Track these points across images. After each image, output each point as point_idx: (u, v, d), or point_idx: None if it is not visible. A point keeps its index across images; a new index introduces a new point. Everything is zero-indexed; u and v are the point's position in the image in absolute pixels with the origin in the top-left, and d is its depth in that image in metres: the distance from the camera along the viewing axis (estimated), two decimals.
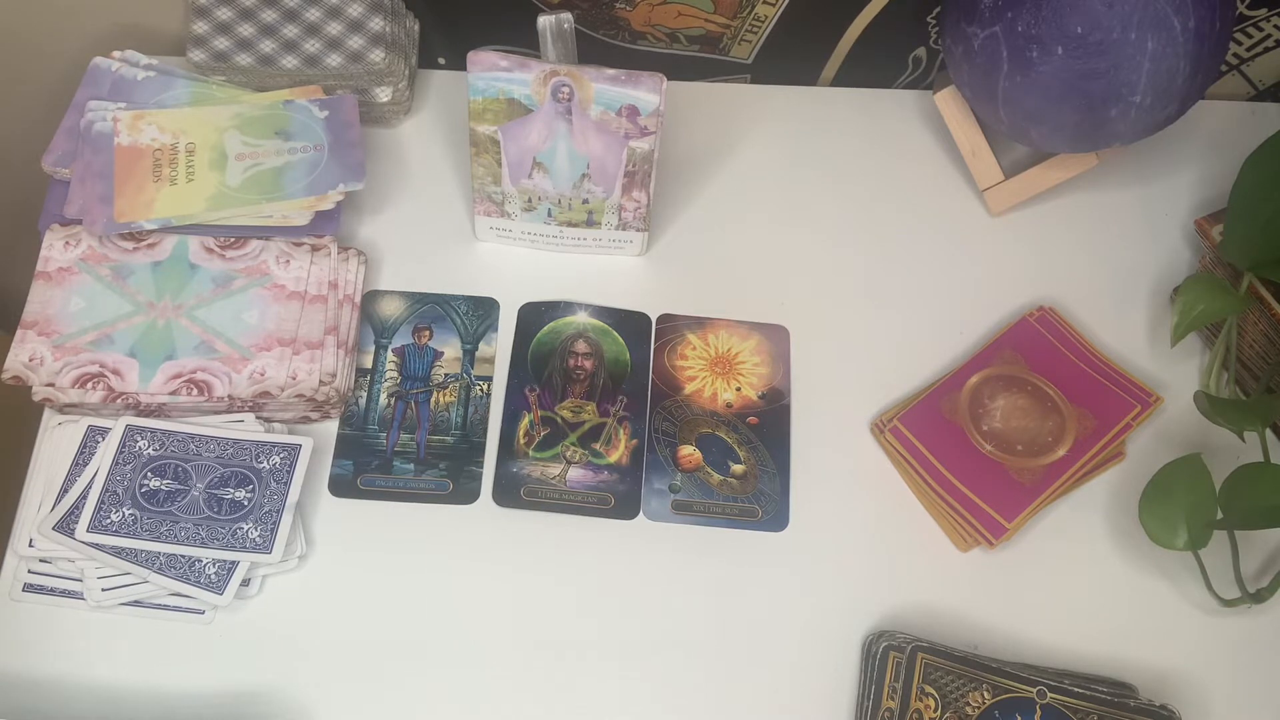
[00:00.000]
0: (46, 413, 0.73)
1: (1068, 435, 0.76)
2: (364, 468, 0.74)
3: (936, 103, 0.85)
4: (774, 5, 0.85)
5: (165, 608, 0.69)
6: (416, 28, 0.89)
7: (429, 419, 0.76)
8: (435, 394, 0.77)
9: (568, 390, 0.78)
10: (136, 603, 0.68)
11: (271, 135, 0.79)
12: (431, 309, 0.80)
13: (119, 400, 0.71)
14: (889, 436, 0.76)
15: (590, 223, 0.80)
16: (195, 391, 0.71)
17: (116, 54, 0.82)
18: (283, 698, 0.67)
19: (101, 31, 0.89)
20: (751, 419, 0.78)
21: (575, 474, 0.75)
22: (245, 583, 0.69)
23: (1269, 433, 0.73)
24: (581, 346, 0.80)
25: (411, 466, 0.74)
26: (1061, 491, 0.74)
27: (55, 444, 0.71)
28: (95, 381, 0.71)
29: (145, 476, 0.70)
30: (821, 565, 0.73)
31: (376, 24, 0.84)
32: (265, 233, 0.77)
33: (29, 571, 0.69)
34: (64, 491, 0.70)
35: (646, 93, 0.72)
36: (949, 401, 0.77)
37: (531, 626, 0.71)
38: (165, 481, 0.70)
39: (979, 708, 0.66)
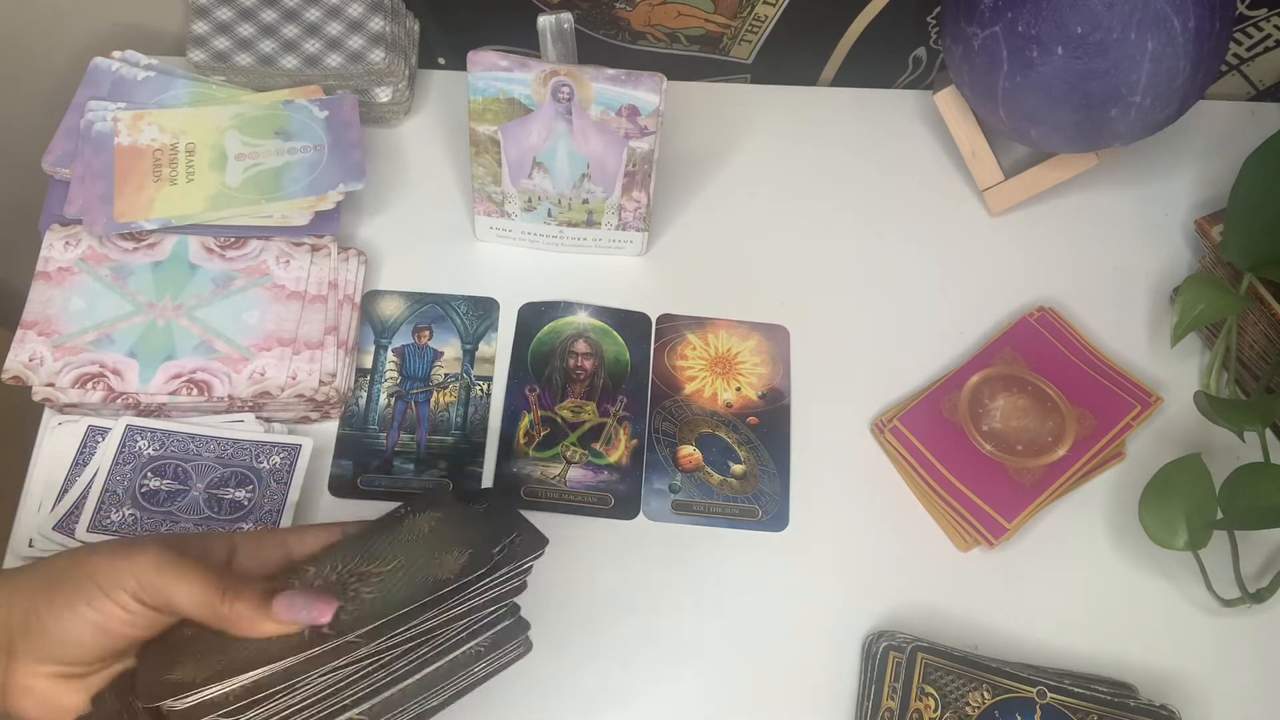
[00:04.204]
0: (46, 413, 0.73)
1: (1068, 435, 0.76)
2: (364, 468, 0.74)
3: (936, 103, 0.86)
4: (774, 5, 0.85)
5: None
6: (416, 28, 0.89)
7: (429, 419, 0.76)
8: (435, 394, 0.77)
9: (568, 390, 0.78)
10: None
11: (271, 135, 0.79)
12: (431, 309, 0.80)
13: (119, 400, 0.71)
14: (889, 436, 0.76)
15: (590, 223, 0.80)
16: (195, 391, 0.71)
17: (116, 54, 0.82)
18: None
19: (101, 31, 0.89)
20: (751, 419, 0.78)
21: (575, 474, 0.75)
22: None
23: (1269, 433, 0.73)
24: (581, 346, 0.80)
25: (412, 466, 0.75)
26: (1061, 491, 0.74)
27: (55, 444, 0.71)
28: (95, 381, 0.71)
29: (145, 476, 0.70)
30: (821, 565, 0.73)
31: (376, 24, 0.84)
32: (265, 233, 0.77)
33: None
34: (64, 491, 0.70)
35: (646, 93, 0.72)
36: (949, 401, 0.77)
37: (529, 626, 0.71)
38: (165, 481, 0.70)
39: (979, 708, 0.66)
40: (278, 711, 0.48)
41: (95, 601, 0.48)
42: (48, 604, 0.49)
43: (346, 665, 0.50)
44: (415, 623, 0.51)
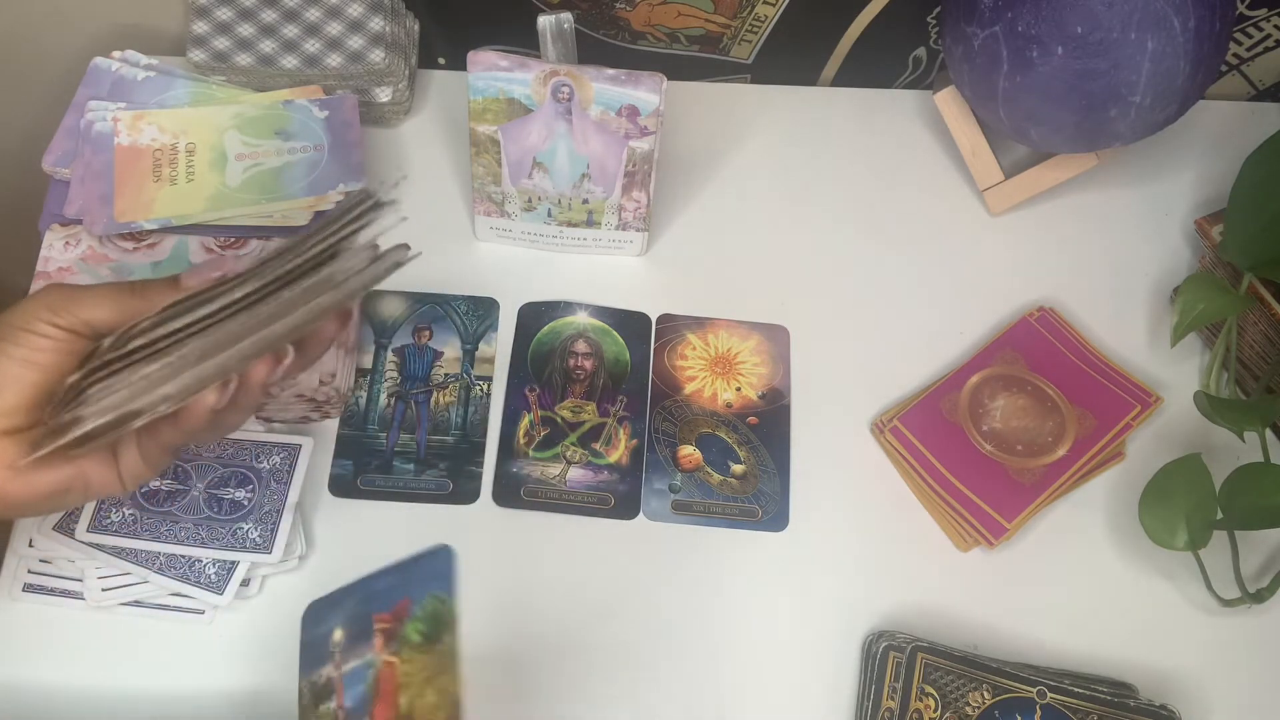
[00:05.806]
0: None
1: (1068, 435, 0.76)
2: (364, 468, 0.74)
3: (936, 103, 0.85)
4: (774, 5, 0.85)
5: (165, 608, 0.69)
6: (416, 28, 0.89)
7: (429, 419, 0.76)
8: (435, 394, 0.77)
9: (568, 390, 0.78)
10: (136, 603, 0.68)
11: (271, 135, 0.79)
12: (431, 309, 0.80)
13: None
14: (889, 436, 0.76)
15: (590, 223, 0.80)
16: None
17: (116, 54, 0.82)
18: (282, 698, 0.67)
19: (101, 31, 0.89)
20: (751, 419, 0.78)
21: (575, 474, 0.75)
22: (245, 583, 0.69)
23: (1269, 433, 0.73)
24: (581, 346, 0.80)
25: (411, 466, 0.75)
26: (1061, 491, 0.74)
27: None
28: None
29: None
30: (821, 565, 0.73)
31: (376, 24, 0.84)
32: (265, 233, 0.77)
33: (29, 571, 0.69)
34: None
35: (646, 93, 0.72)
36: (949, 401, 0.77)
37: (531, 626, 0.71)
38: (165, 481, 0.70)
39: (979, 708, 0.66)
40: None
41: (17, 339, 0.53)
42: None
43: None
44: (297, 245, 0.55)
